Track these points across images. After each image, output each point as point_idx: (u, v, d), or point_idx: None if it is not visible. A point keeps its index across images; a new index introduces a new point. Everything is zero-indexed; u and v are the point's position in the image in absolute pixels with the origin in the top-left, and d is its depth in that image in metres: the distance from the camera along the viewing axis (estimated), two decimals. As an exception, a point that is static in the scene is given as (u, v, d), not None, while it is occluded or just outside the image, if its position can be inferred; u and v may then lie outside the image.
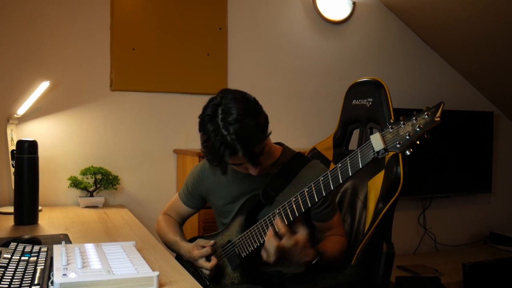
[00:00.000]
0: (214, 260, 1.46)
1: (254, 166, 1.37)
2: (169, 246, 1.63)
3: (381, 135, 1.13)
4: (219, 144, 1.28)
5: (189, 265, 1.52)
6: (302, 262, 1.34)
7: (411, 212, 3.12)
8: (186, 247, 1.53)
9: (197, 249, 1.48)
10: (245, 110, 1.29)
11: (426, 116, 1.07)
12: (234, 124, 1.26)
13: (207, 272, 1.47)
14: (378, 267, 1.51)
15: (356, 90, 1.81)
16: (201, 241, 1.51)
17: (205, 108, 1.35)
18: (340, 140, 1.89)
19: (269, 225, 1.35)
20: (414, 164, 2.83)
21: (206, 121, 1.32)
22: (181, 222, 1.72)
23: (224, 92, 1.35)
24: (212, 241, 1.49)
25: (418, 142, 1.09)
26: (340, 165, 1.22)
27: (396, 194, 1.51)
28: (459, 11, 2.68)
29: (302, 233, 1.30)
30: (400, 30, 3.06)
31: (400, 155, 1.50)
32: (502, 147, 3.41)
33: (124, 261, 1.11)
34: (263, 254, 1.32)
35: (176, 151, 2.48)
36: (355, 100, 1.79)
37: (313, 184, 1.27)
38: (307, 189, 1.28)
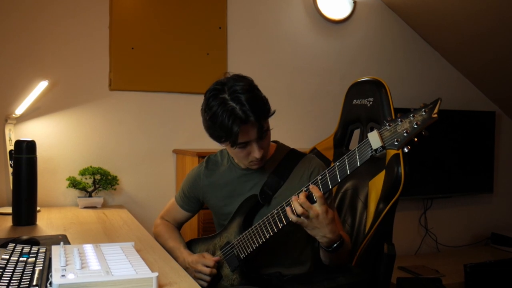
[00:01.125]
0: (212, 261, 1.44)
1: (260, 146, 1.36)
2: (169, 251, 1.61)
3: (379, 132, 1.13)
4: (228, 114, 1.28)
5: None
6: (326, 239, 1.28)
7: (412, 212, 3.11)
8: (188, 257, 1.51)
9: (201, 262, 1.47)
10: (251, 85, 1.35)
11: (424, 113, 1.08)
12: (244, 93, 1.30)
13: (206, 277, 1.45)
14: (379, 268, 1.50)
15: (356, 89, 1.80)
16: (207, 257, 1.49)
17: (209, 89, 1.36)
18: (341, 140, 1.88)
19: (267, 226, 1.34)
20: (415, 164, 2.82)
21: (212, 98, 1.33)
22: (178, 227, 1.71)
23: (226, 77, 1.38)
24: (217, 257, 1.48)
25: (416, 139, 1.10)
26: (338, 163, 1.22)
27: (397, 195, 1.50)
28: (460, 10, 2.67)
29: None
30: (401, 29, 3.05)
31: (401, 155, 1.50)
32: (504, 147, 3.40)
33: (123, 262, 1.10)
34: (290, 212, 1.27)
35: (175, 151, 2.47)
36: (355, 100, 1.78)
37: (311, 183, 1.26)
38: (305, 189, 1.27)
